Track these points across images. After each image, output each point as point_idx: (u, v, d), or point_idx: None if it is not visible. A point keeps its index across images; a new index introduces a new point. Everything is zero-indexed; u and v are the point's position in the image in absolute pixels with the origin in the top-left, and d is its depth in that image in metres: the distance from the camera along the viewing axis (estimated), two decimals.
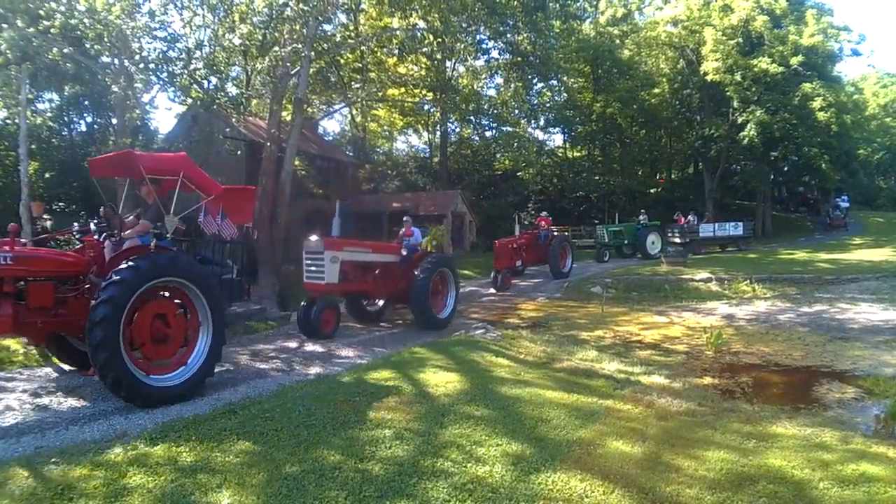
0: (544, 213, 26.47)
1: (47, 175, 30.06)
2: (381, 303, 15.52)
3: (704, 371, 10.24)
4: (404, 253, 14.66)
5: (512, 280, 21.72)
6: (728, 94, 36.07)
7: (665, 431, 6.51)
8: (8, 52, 14.93)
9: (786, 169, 41.20)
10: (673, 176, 52.29)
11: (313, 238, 13.06)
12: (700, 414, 7.39)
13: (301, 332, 12.58)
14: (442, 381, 8.13)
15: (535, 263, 24.50)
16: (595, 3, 47.53)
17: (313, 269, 12.82)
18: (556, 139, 52.80)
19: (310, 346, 11.42)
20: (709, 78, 36.01)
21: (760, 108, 34.23)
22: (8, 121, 16.26)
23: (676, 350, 11.89)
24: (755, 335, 13.14)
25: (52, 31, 15.99)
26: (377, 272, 14.28)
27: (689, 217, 34.01)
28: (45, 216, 31.07)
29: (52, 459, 5.39)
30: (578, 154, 51.26)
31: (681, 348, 12.03)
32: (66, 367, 9.23)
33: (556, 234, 24.73)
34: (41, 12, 15.90)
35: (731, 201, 45.22)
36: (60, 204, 34.03)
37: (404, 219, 16.25)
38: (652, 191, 47.38)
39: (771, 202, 44.65)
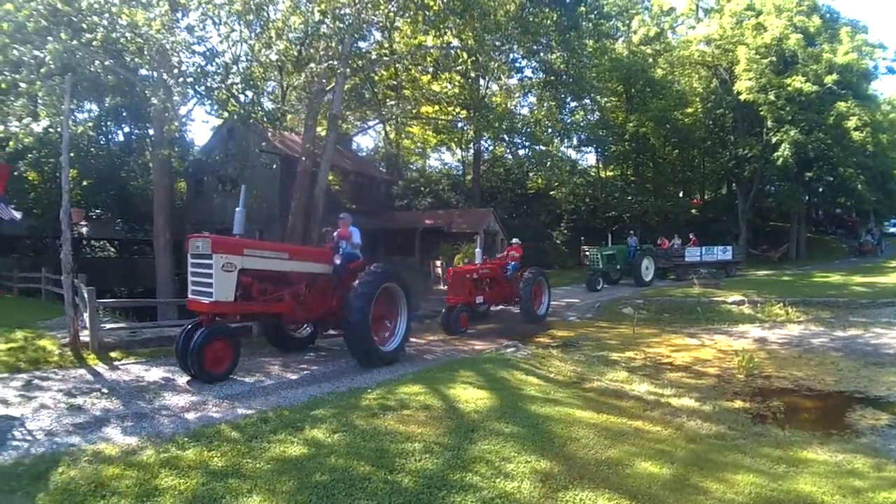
0: (516, 241, 20.21)
1: (85, 183, 30.76)
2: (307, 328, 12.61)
3: (735, 394, 10.20)
4: (337, 262, 11.45)
5: (469, 321, 16.71)
6: (762, 113, 35.81)
7: (694, 454, 6.51)
8: (52, 63, 15.30)
9: (820, 190, 40.64)
10: (706, 196, 51.91)
11: (199, 237, 9.79)
12: (730, 437, 7.38)
13: (181, 367, 9.50)
14: (472, 397, 8.17)
15: (501, 302, 18.95)
16: (628, 22, 47.61)
17: (198, 280, 9.58)
18: (589, 158, 52.82)
19: (341, 359, 11.51)
20: (742, 97, 35.80)
21: (794, 127, 33.91)
22: (50, 129, 16.70)
23: (707, 373, 11.83)
24: (787, 359, 13.03)
25: (94, 43, 16.37)
26: (297, 287, 11.00)
27: (674, 240, 32.93)
28: (82, 222, 31.98)
29: (86, 458, 5.54)
30: (611, 174, 51.15)
31: (712, 371, 11.97)
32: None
33: (532, 268, 19.00)
34: (84, 26, 16.29)
35: (764, 222, 44.73)
36: (97, 211, 34.79)
37: (340, 216, 12.50)
38: (693, 211, 47.00)
39: (806, 224, 44.09)
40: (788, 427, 8.26)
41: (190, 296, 9.68)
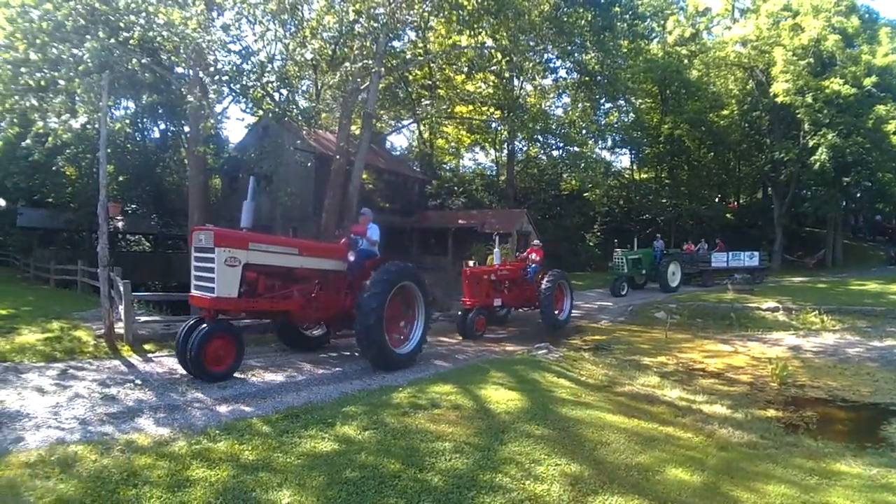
0: (536, 242, 19.75)
1: (121, 178, 31.33)
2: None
3: (768, 403, 10.09)
4: (351, 259, 11.05)
5: (486, 325, 16.04)
6: (798, 116, 35.23)
7: (725, 462, 6.45)
8: (90, 61, 15.55)
9: (858, 195, 39.97)
10: (741, 201, 51.30)
11: (202, 230, 9.38)
12: (762, 446, 7.31)
13: (181, 364, 9.22)
14: (503, 398, 8.17)
15: (521, 305, 18.29)
16: (663, 22, 47.21)
17: (200, 274, 9.20)
18: (623, 160, 52.50)
19: None
20: (779, 100, 35.27)
21: (832, 131, 33.30)
22: (88, 126, 17.00)
23: (740, 380, 11.72)
24: (822, 368, 12.85)
25: (131, 42, 16.62)
26: (308, 284, 10.50)
27: (700, 245, 32.58)
28: (118, 217, 32.53)
29: (118, 447, 5.63)
30: (645, 176, 50.77)
31: (744, 378, 11.85)
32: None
33: (554, 270, 18.16)
34: (121, 24, 16.54)
35: (800, 228, 44.07)
36: (133, 206, 35.39)
37: (360, 211, 12.43)
38: (728, 216, 46.48)
39: (843, 229, 43.34)
40: (821, 438, 8.16)
41: (192, 290, 9.34)
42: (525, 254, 19.37)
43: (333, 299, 10.83)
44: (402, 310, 11.23)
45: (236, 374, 9.05)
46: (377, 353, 10.03)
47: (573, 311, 18.92)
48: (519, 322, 18.74)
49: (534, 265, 18.03)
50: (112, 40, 16.18)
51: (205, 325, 8.89)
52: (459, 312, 16.34)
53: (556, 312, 17.42)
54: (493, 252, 18.56)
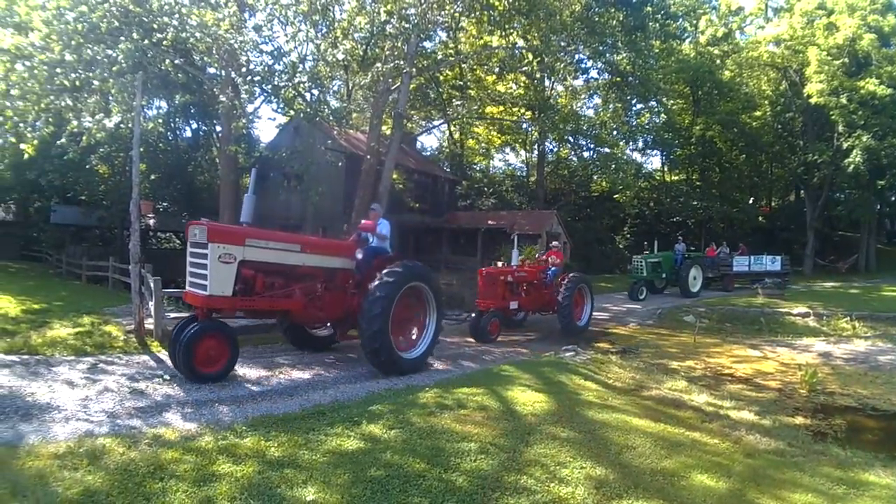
0: (555, 244, 19.04)
1: (153, 177, 31.78)
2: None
3: (797, 410, 9.96)
4: (359, 256, 10.64)
5: (500, 329, 15.40)
6: (832, 117, 34.62)
7: (751, 469, 6.40)
8: (124, 62, 15.80)
9: (893, 199, 39.24)
10: (773, 203, 50.67)
11: (197, 224, 9.00)
12: (789, 454, 7.23)
13: (172, 363, 9.02)
14: (529, 400, 8.19)
15: (539, 310, 17.40)
16: (695, 22, 46.76)
17: (195, 270, 8.93)
18: (654, 162, 52.12)
19: None
20: (812, 100, 34.73)
21: (867, 132, 32.74)
22: (121, 125, 17.29)
23: (768, 386, 11.58)
24: (853, 376, 12.65)
25: (164, 43, 16.86)
26: (311, 283, 10.00)
27: (721, 248, 31.64)
28: (150, 214, 32.97)
29: (146, 441, 5.74)
30: (676, 178, 50.35)
31: (773, 384, 11.71)
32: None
33: (574, 273, 17.57)
34: (155, 26, 16.79)
35: (833, 232, 43.43)
36: (164, 204, 35.88)
37: (371, 206, 12.15)
38: (760, 219, 45.97)
39: (879, 235, 42.59)
40: (850, 447, 8.04)
41: (187, 287, 9.11)
42: (545, 256, 18.77)
43: (340, 299, 10.36)
44: (413, 311, 10.75)
45: (263, 372, 9.16)
46: (384, 360, 9.59)
47: (596, 314, 18.64)
48: (537, 326, 18.09)
49: (553, 268, 17.33)
50: (146, 41, 16.43)
51: (196, 324, 8.60)
52: (473, 314, 15.75)
53: (576, 318, 16.55)
54: (524, 253, 18.40)
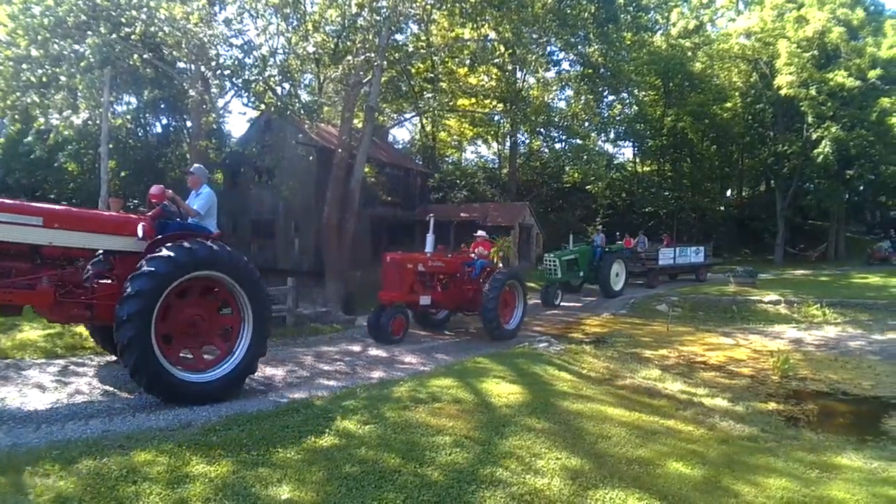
0: (481, 233, 16.38)
1: (123, 174, 31.28)
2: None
3: (769, 396, 10.10)
4: (139, 235, 7.70)
5: (406, 327, 13.22)
6: (802, 109, 34.93)
7: (726, 455, 6.47)
8: (91, 57, 15.63)
9: (861, 188, 39.76)
10: (743, 193, 51.16)
11: None
12: (762, 440, 7.31)
13: None
14: (503, 391, 8.20)
15: (462, 308, 14.95)
16: (667, 15, 46.97)
17: None
18: (626, 153, 52.35)
19: (373, 351, 11.59)
20: (782, 92, 34.98)
21: (836, 123, 33.10)
22: (89, 122, 17.07)
23: (741, 373, 11.73)
24: (823, 362, 12.86)
25: (132, 37, 16.70)
26: (67, 270, 7.56)
27: (639, 239, 29.01)
28: (120, 212, 32.51)
29: (118, 444, 5.62)
30: (648, 169, 50.66)
31: (746, 371, 11.86)
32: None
33: (505, 268, 15.89)
34: (123, 20, 16.61)
35: (804, 221, 43.94)
36: (135, 201, 35.41)
37: (191, 169, 9.35)
38: (722, 209, 46.43)
39: (856, 225, 43.13)
40: (822, 431, 8.17)
41: None
42: (470, 247, 16.36)
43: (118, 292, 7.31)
44: (207, 315, 7.84)
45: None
46: (150, 378, 7.00)
47: (568, 304, 18.66)
48: (464, 326, 16.09)
49: (481, 260, 14.90)
50: (114, 36, 16.23)
51: None
52: (372, 310, 13.47)
53: (504, 321, 14.10)
54: (497, 245, 17.50)
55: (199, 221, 8.36)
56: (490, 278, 13.88)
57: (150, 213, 8.06)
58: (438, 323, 15.40)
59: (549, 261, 22.20)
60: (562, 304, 13.07)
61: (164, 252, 7.14)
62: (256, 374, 8.79)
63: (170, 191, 8.31)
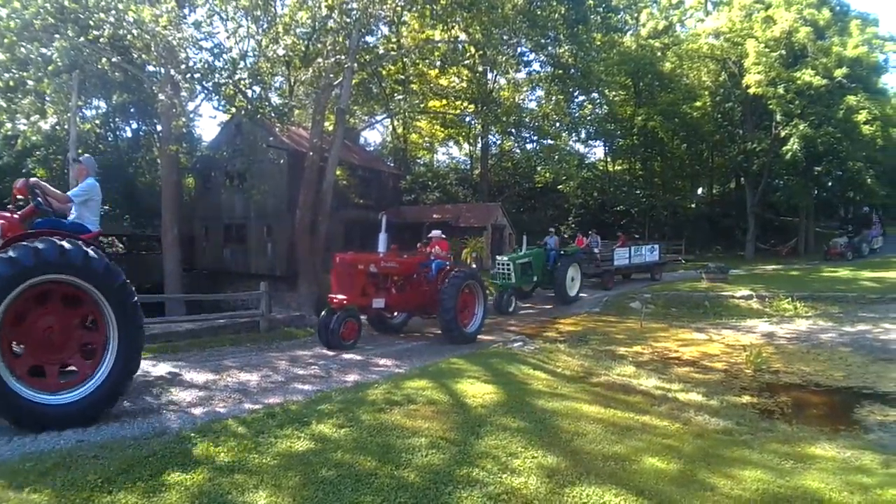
0: (437, 233, 15.60)
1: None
2: None
3: (743, 389, 10.17)
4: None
5: (358, 332, 12.45)
6: (770, 107, 35.60)
7: (701, 449, 6.49)
8: (59, 60, 15.41)
9: (829, 184, 40.39)
10: (714, 191, 51.73)
11: None
12: (737, 433, 7.36)
13: None
14: (479, 392, 8.18)
15: (419, 311, 14.60)
16: (636, 15, 47.53)
17: None
18: (597, 152, 52.71)
19: (347, 354, 11.50)
20: (751, 91, 35.53)
21: (803, 121, 33.72)
22: (57, 126, 16.84)
23: (715, 368, 11.81)
24: (796, 354, 13.00)
25: (101, 41, 16.50)
26: None
27: (591, 238, 27.69)
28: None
29: (93, 454, 5.53)
30: (619, 168, 51.10)
31: (719, 366, 11.95)
32: None
33: (463, 268, 15.22)
34: (91, 23, 16.41)
35: (774, 217, 44.52)
36: (105, 207, 34.93)
37: (78, 158, 9.00)
38: (693, 206, 46.90)
39: (828, 221, 43.75)
40: (796, 423, 8.25)
41: None
42: (427, 247, 15.39)
43: None
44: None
45: (211, 376, 8.94)
46: None
47: (542, 304, 18.40)
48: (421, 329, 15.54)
49: (438, 261, 14.31)
50: (82, 39, 16.03)
51: None
52: (322, 314, 12.75)
53: (463, 323, 13.46)
54: (470, 246, 17.09)
55: (77, 219, 7.41)
56: (447, 279, 13.34)
57: (21, 212, 7.24)
58: (396, 327, 14.82)
59: (502, 264, 20.37)
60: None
61: (8, 253, 6.13)
62: (231, 380, 8.70)
63: (33, 179, 7.40)
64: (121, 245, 40.19)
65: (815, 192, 39.62)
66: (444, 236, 15.48)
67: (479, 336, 13.88)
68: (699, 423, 7.66)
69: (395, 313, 14.76)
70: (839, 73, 33.24)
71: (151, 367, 9.26)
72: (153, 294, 27.73)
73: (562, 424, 6.92)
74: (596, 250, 26.24)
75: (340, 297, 12.26)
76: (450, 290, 12.95)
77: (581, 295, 22.26)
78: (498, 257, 21.51)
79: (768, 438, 7.20)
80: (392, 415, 7.01)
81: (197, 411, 7.19)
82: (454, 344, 12.75)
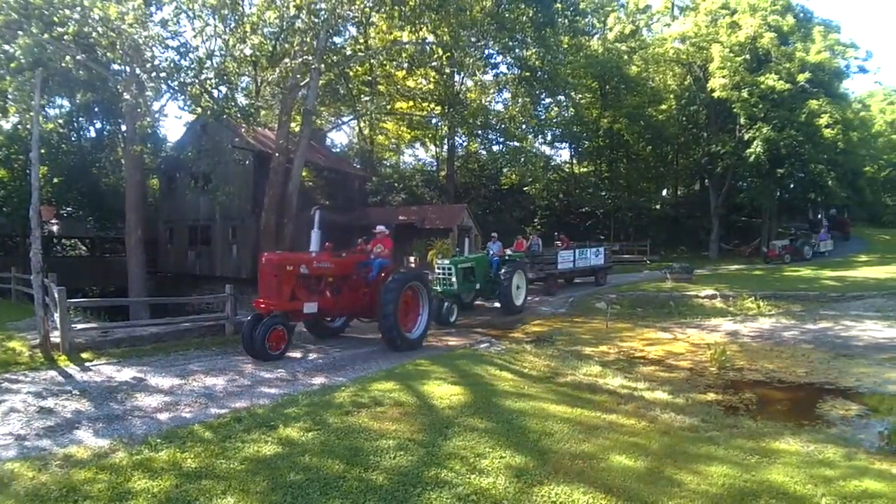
0: (381, 229, 14.19)
1: (55, 180, 30.30)
2: None
3: (708, 387, 10.27)
4: None
5: (287, 340, 11.25)
6: (735, 110, 36.12)
7: (668, 446, 6.54)
8: (22, 58, 15.16)
9: (791, 186, 41.09)
10: (679, 192, 52.31)
11: None
12: (703, 429, 7.42)
13: None
14: (446, 393, 8.19)
15: (358, 314, 13.55)
16: (603, 19, 47.87)
17: None
18: (563, 154, 52.99)
19: (314, 357, 11.43)
20: (716, 94, 36.02)
21: (767, 124, 34.30)
22: (19, 126, 16.50)
23: (680, 366, 11.91)
24: (759, 352, 13.16)
25: (65, 38, 16.23)
26: None
27: (532, 241, 26.69)
28: (52, 220, 31.50)
29: (57, 462, 5.47)
30: (585, 169, 51.44)
31: (684, 364, 12.05)
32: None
33: (404, 269, 14.63)
34: (55, 19, 16.15)
35: (737, 218, 45.14)
36: (68, 208, 34.31)
37: None
38: (658, 207, 47.39)
39: (798, 223, 44.42)
40: (760, 418, 8.33)
41: None
42: (369, 245, 14.11)
43: None
44: None
45: (176, 381, 8.82)
46: None
47: None
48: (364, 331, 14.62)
49: (379, 260, 13.25)
50: (45, 36, 15.77)
51: None
52: (248, 319, 11.52)
53: (405, 328, 12.54)
54: (436, 248, 16.53)
55: None
56: (388, 280, 12.38)
57: None
58: (334, 331, 13.91)
59: (444, 269, 18.25)
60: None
61: None
62: (197, 384, 8.59)
63: None
64: (84, 247, 39.57)
65: (778, 193, 40.18)
66: (387, 232, 14.19)
67: (445, 338, 13.83)
68: (665, 421, 7.72)
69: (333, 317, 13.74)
70: (802, 77, 33.85)
71: (116, 373, 9.13)
72: (117, 297, 27.49)
73: (529, 424, 6.94)
74: (535, 252, 25.02)
75: (268, 301, 11.22)
76: (390, 292, 11.99)
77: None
78: (437, 261, 19.48)
79: (733, 434, 7.27)
80: (359, 417, 7.00)
81: (163, 417, 7.12)
82: (396, 351, 11.94)
